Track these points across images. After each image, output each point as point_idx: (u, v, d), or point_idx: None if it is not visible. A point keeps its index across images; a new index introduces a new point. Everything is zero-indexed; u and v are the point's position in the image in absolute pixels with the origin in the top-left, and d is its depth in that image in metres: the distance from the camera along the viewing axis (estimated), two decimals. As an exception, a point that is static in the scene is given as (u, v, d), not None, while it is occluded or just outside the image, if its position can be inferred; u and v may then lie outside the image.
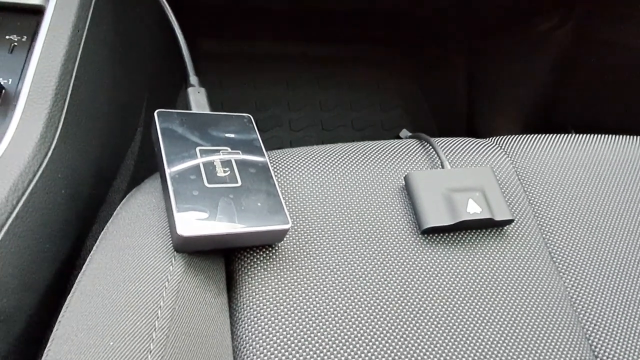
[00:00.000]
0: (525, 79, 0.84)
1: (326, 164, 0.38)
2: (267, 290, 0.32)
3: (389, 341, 0.31)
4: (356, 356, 0.30)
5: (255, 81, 0.93)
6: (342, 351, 0.30)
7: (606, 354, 0.33)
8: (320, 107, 0.94)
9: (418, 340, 0.31)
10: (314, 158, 0.39)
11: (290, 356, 0.29)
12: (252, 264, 0.33)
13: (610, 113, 0.73)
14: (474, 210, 0.35)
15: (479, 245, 0.36)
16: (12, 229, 0.26)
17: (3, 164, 0.28)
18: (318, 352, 0.30)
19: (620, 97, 0.70)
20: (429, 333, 0.31)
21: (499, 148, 0.43)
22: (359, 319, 0.31)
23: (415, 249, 0.35)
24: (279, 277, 0.32)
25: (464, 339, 0.32)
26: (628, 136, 0.46)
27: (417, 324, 0.32)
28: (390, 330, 0.31)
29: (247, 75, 0.93)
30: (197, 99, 0.38)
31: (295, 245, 0.34)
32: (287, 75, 0.95)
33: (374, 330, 0.31)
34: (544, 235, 0.38)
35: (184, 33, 0.41)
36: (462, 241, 0.36)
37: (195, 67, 0.40)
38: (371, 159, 0.40)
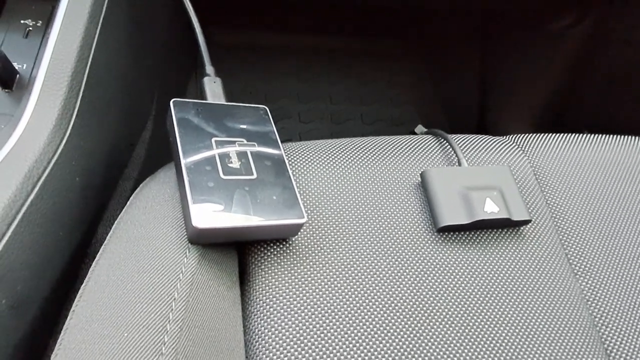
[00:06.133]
0: (538, 77, 0.83)
1: (342, 158, 0.38)
2: (280, 285, 0.31)
3: (402, 339, 0.30)
4: (369, 353, 0.29)
5: (265, 72, 0.92)
6: (354, 348, 0.29)
7: (621, 358, 0.33)
8: (330, 100, 0.93)
9: (431, 339, 0.31)
10: (329, 152, 0.38)
11: (303, 351, 0.29)
12: (265, 257, 0.32)
13: (626, 114, 0.72)
14: (491, 209, 0.34)
15: (495, 245, 0.35)
16: (27, 216, 0.26)
17: (18, 150, 0.28)
18: (331, 348, 0.29)
19: (637, 97, 0.69)
20: (442, 332, 0.31)
21: (517, 146, 0.42)
22: (372, 316, 0.31)
23: (431, 247, 0.34)
24: (292, 271, 0.32)
25: (478, 339, 0.31)
26: None
27: (431, 323, 0.31)
28: (404, 329, 0.31)
29: (257, 66, 0.92)
30: (213, 89, 0.37)
31: (309, 240, 0.33)
32: (297, 67, 0.94)
33: (387, 327, 0.31)
34: (560, 237, 0.38)
35: None
36: (478, 240, 0.35)
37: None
38: (387, 154, 0.39)
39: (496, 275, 0.34)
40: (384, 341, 0.30)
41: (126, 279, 0.27)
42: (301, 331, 0.30)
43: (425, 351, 0.30)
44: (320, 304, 0.31)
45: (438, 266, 0.34)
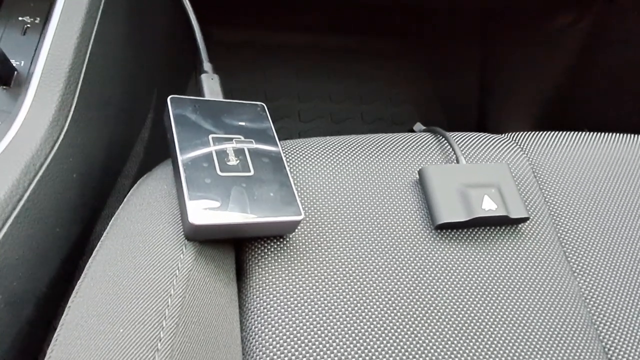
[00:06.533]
0: (538, 77, 0.83)
1: (340, 156, 0.38)
2: (277, 281, 0.31)
3: (400, 336, 0.30)
4: (365, 350, 0.29)
5: (265, 71, 0.92)
6: (351, 345, 0.29)
7: (619, 356, 0.33)
8: (330, 99, 0.93)
9: (429, 336, 0.31)
10: (327, 149, 0.38)
11: (300, 348, 0.29)
12: (262, 254, 0.32)
13: (626, 113, 0.71)
14: (489, 207, 0.34)
15: (493, 243, 0.35)
16: (24, 212, 0.26)
17: (15, 146, 0.28)
18: (328, 344, 0.29)
19: (637, 96, 0.69)
20: (440, 329, 0.31)
21: (515, 144, 0.42)
22: (370, 313, 0.31)
23: (429, 244, 0.34)
24: (289, 268, 0.32)
25: (475, 336, 0.31)
26: None
27: (428, 320, 0.31)
28: (401, 326, 0.31)
29: (258, 64, 0.92)
30: (211, 86, 0.37)
31: (306, 237, 0.33)
32: (297, 66, 0.94)
33: (384, 324, 0.30)
34: (559, 234, 0.37)
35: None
36: (476, 238, 0.35)
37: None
38: (385, 151, 0.39)
39: (494, 272, 0.34)
40: (380, 338, 0.30)
41: (122, 275, 0.27)
42: (298, 328, 0.30)
43: (422, 348, 0.30)
44: (317, 301, 0.31)
45: (436, 263, 0.34)
